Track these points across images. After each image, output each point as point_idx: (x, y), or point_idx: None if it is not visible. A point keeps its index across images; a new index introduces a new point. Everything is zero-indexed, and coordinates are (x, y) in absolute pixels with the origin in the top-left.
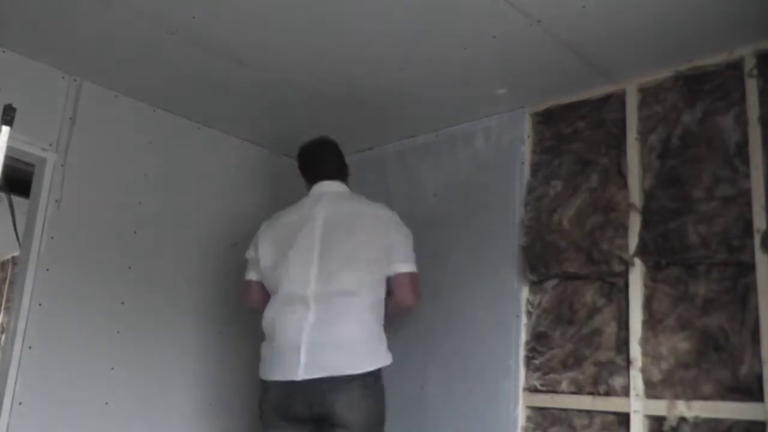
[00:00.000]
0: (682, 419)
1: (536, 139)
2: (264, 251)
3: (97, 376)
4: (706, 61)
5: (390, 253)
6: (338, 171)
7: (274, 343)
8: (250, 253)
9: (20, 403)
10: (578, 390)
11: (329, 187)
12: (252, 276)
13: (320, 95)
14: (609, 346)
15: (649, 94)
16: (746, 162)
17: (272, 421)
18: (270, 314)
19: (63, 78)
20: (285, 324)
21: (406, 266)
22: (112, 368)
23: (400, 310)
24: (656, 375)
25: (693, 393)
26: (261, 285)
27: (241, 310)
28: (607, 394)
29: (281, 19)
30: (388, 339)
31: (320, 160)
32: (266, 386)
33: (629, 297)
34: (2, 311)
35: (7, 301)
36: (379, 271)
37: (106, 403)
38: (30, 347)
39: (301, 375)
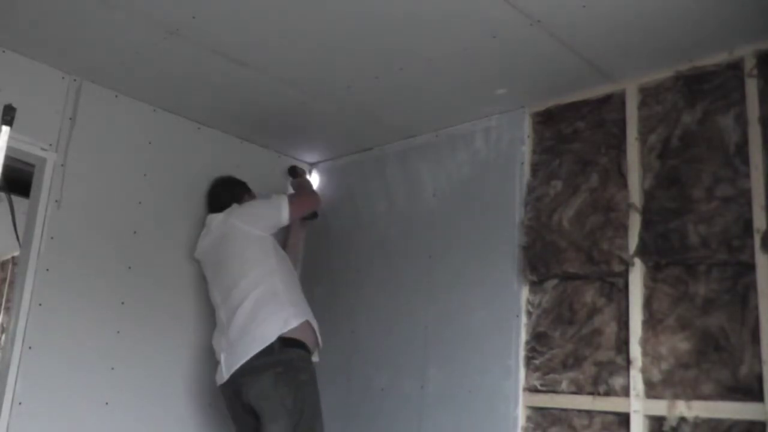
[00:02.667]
0: (682, 419)
1: (536, 139)
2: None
3: (97, 376)
4: (706, 61)
5: (255, 227)
6: (221, 205)
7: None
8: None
9: (20, 403)
10: (578, 390)
11: (208, 221)
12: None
13: (320, 95)
14: (609, 346)
15: (649, 94)
16: (746, 162)
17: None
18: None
19: (63, 78)
20: (216, 347)
21: (281, 216)
22: (112, 368)
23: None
24: (656, 375)
25: (693, 393)
26: None
27: None
28: (607, 394)
29: (281, 19)
30: (389, 339)
31: (210, 198)
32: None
33: (629, 297)
34: (2, 311)
35: (7, 301)
36: (260, 260)
37: (106, 403)
38: (30, 347)
39: (225, 375)
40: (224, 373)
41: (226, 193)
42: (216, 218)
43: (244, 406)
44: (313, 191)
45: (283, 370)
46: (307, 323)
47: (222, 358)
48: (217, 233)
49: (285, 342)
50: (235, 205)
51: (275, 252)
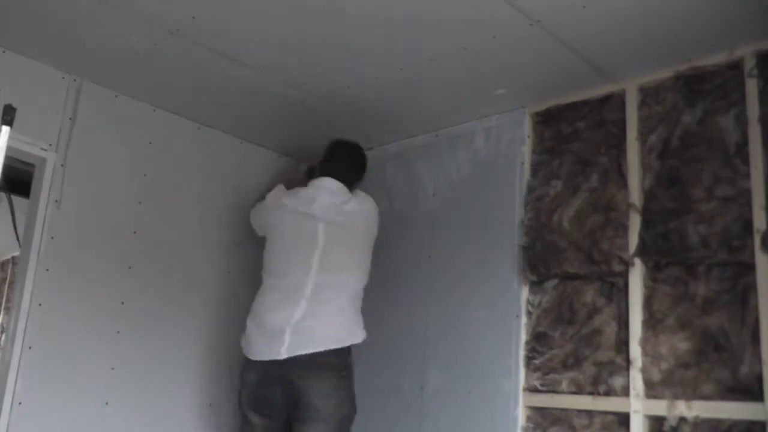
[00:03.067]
0: (682, 419)
1: (536, 139)
2: (271, 225)
3: (97, 376)
4: (706, 61)
5: (375, 236)
6: (350, 178)
7: (261, 327)
8: (263, 206)
9: (20, 403)
10: (578, 390)
11: (328, 183)
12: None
13: (320, 95)
14: (609, 346)
15: (649, 94)
16: (746, 162)
17: (247, 409)
18: (258, 302)
19: (63, 78)
20: (274, 309)
21: None
22: (112, 368)
23: None
24: (656, 375)
25: (693, 393)
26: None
27: (241, 310)
28: (607, 394)
29: (281, 20)
30: (388, 339)
31: (342, 161)
32: (247, 366)
33: (629, 297)
34: (2, 311)
35: (7, 301)
36: (368, 263)
37: (106, 403)
38: (30, 347)
39: (284, 354)
40: (282, 351)
41: (358, 171)
42: (346, 191)
43: (285, 393)
44: None
45: (347, 374)
46: None
47: (287, 333)
48: (351, 208)
49: (349, 348)
50: (371, 200)
51: None
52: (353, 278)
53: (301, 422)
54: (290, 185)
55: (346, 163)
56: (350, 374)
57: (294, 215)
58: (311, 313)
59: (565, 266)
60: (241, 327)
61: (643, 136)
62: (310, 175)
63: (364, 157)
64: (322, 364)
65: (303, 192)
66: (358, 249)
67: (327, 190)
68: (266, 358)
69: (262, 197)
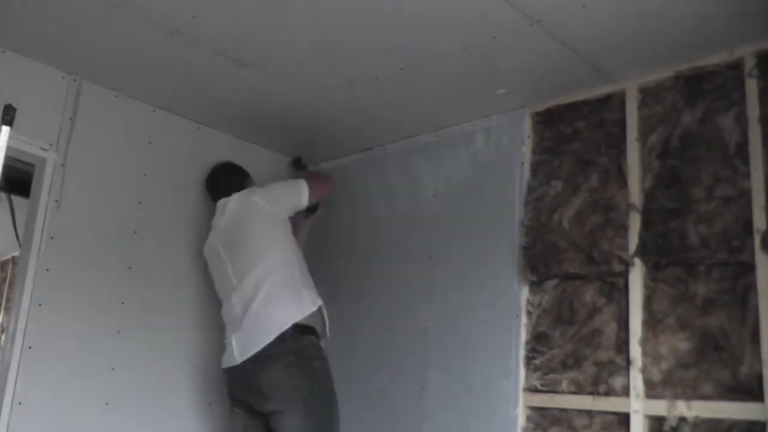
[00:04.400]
0: (682, 419)
1: (536, 139)
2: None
3: (97, 376)
4: (706, 61)
5: (278, 207)
6: (224, 191)
7: (225, 343)
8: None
9: (20, 403)
10: (578, 390)
11: (217, 206)
12: None
13: (320, 95)
14: (609, 346)
15: (649, 94)
16: (746, 162)
17: (230, 403)
18: (224, 320)
19: (63, 78)
20: (227, 326)
21: (298, 201)
22: (112, 368)
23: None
24: (656, 375)
25: (693, 393)
26: None
27: None
28: (607, 394)
29: (281, 19)
30: (388, 338)
31: (212, 186)
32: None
33: (629, 297)
34: (2, 311)
35: (7, 301)
36: (280, 243)
37: (106, 403)
38: (30, 347)
39: (238, 359)
40: (236, 357)
41: (231, 180)
42: (231, 200)
43: (251, 393)
44: (326, 176)
45: (295, 358)
46: (319, 310)
47: (234, 341)
48: (235, 214)
49: (297, 329)
50: (254, 187)
51: (292, 236)
52: (268, 266)
53: (270, 418)
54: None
55: (222, 180)
56: (301, 357)
57: (209, 254)
58: (247, 316)
59: (565, 266)
60: None
61: (643, 136)
62: (298, 165)
63: (234, 166)
64: (268, 357)
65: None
66: (258, 237)
67: (217, 212)
68: (227, 365)
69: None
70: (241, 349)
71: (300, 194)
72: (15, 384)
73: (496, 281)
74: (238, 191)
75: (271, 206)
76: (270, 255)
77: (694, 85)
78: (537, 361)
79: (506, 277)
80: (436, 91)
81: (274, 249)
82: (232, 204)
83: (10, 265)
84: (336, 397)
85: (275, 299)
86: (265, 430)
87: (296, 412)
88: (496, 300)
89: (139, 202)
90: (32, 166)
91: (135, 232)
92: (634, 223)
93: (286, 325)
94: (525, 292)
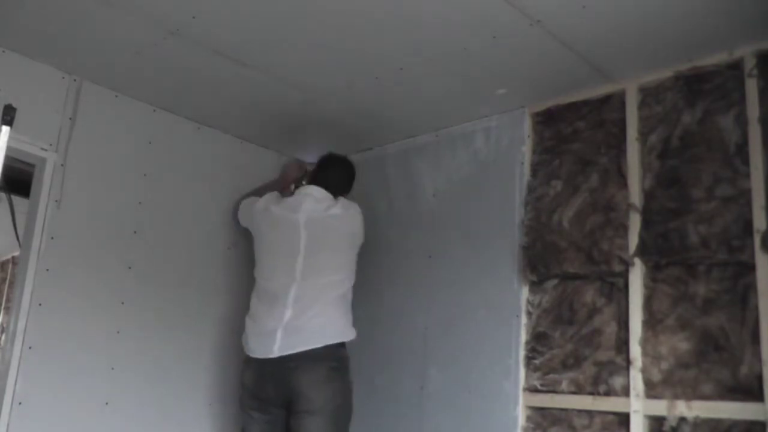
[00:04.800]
0: (682, 419)
1: (536, 139)
2: (258, 229)
3: (97, 376)
4: (706, 61)
5: (361, 239)
6: (335, 188)
7: (256, 326)
8: (253, 208)
9: (20, 403)
10: (578, 390)
11: (313, 192)
12: (244, 218)
13: (320, 95)
14: (609, 346)
15: (649, 94)
16: (746, 162)
17: (247, 406)
18: (254, 301)
19: (63, 78)
20: (268, 310)
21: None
22: (112, 368)
23: None
24: (656, 375)
25: (693, 393)
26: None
27: (241, 309)
28: (607, 394)
29: (281, 19)
30: (389, 338)
31: (331, 173)
32: (245, 365)
33: (629, 297)
34: (2, 311)
35: (7, 301)
36: (352, 261)
37: (106, 403)
38: (30, 347)
39: (276, 352)
40: (275, 350)
41: (348, 183)
42: (337, 205)
43: (283, 388)
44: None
45: (338, 366)
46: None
47: (278, 333)
48: (335, 212)
49: (342, 344)
50: (356, 205)
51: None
52: (337, 280)
53: (296, 415)
54: (288, 179)
55: (337, 175)
56: (342, 366)
57: (279, 222)
58: (299, 315)
59: (565, 266)
60: (241, 327)
61: (643, 136)
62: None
63: (354, 172)
64: (312, 357)
65: (289, 199)
66: (341, 252)
67: (311, 197)
68: (261, 356)
69: (255, 193)
70: (285, 343)
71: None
72: (15, 384)
73: (496, 281)
74: (337, 195)
75: (360, 235)
76: (342, 271)
77: (694, 85)
78: (537, 361)
79: (506, 277)
80: (436, 91)
81: (348, 268)
82: (336, 209)
83: (10, 265)
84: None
85: (339, 311)
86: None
87: (325, 416)
88: (496, 300)
89: (139, 202)
90: (32, 166)
91: (135, 232)
92: (634, 223)
93: (342, 339)
94: (525, 292)
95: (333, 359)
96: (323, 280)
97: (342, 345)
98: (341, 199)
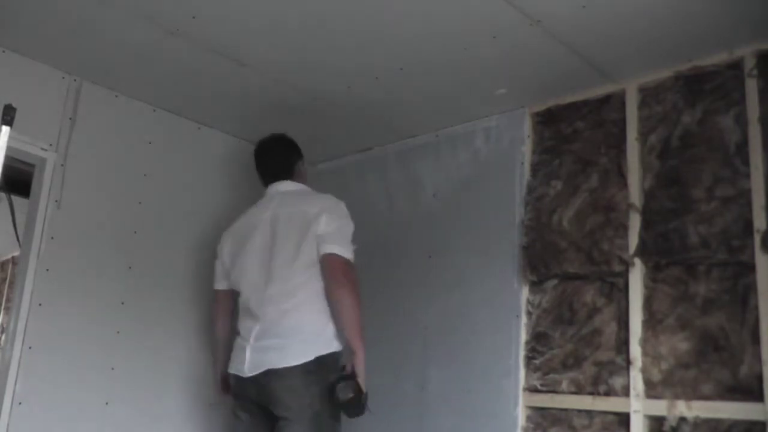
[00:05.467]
0: (682, 419)
1: (536, 139)
2: (225, 258)
3: (97, 376)
4: (706, 61)
5: (321, 237)
6: (286, 169)
7: (237, 340)
8: (216, 261)
9: (20, 403)
10: (578, 390)
11: (277, 187)
12: (216, 285)
13: (320, 95)
14: (609, 346)
15: (649, 94)
16: (746, 162)
17: (236, 411)
18: (237, 316)
19: (63, 78)
20: (242, 326)
21: (335, 247)
22: (112, 368)
23: (332, 293)
24: (656, 375)
25: (693, 393)
26: (224, 294)
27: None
28: (607, 394)
29: (281, 20)
30: (389, 338)
31: (267, 161)
32: (230, 375)
33: (629, 297)
34: (2, 311)
35: (7, 301)
36: (317, 263)
37: (106, 403)
38: (30, 347)
39: (246, 372)
40: (246, 370)
41: (287, 157)
42: (294, 191)
43: (263, 395)
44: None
45: (315, 368)
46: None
47: (247, 352)
48: (294, 207)
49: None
50: (329, 199)
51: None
52: (299, 283)
53: (277, 421)
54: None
55: (274, 157)
56: (321, 368)
57: (242, 228)
58: (269, 330)
59: (565, 266)
60: None
61: (643, 136)
62: None
63: (288, 140)
64: (287, 369)
65: (254, 205)
66: (303, 249)
67: (278, 194)
68: (234, 372)
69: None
70: (255, 362)
71: (350, 254)
72: (15, 384)
73: (496, 281)
74: (290, 176)
75: (329, 238)
76: (303, 275)
77: (694, 85)
78: (537, 361)
79: (506, 277)
80: (436, 91)
81: (308, 269)
82: (298, 202)
83: (10, 265)
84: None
85: (306, 326)
86: None
87: (304, 423)
88: (496, 300)
89: (139, 202)
90: (32, 166)
91: (135, 232)
92: (634, 223)
93: (312, 356)
94: (525, 292)
95: (310, 369)
96: (290, 284)
97: (320, 358)
98: (314, 193)
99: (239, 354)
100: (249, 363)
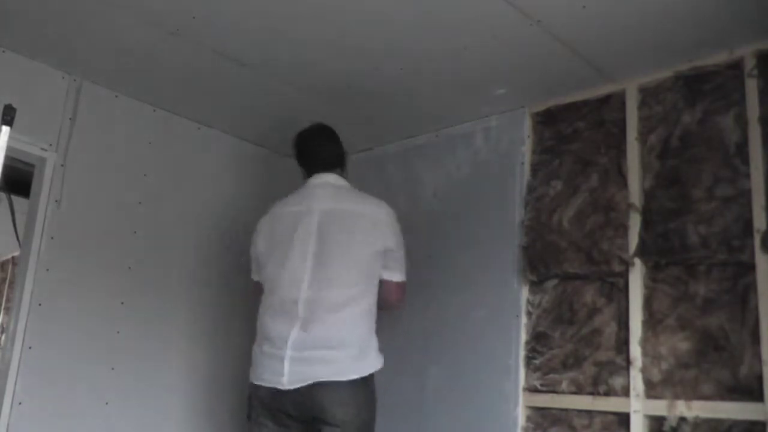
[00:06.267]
0: (682, 419)
1: (536, 139)
2: (261, 247)
3: (97, 376)
4: (706, 61)
5: (385, 259)
6: (335, 161)
7: (264, 348)
8: (251, 250)
9: (20, 403)
10: (578, 390)
11: (326, 179)
12: (254, 276)
13: (320, 95)
14: (609, 346)
15: (649, 94)
16: (746, 162)
17: (259, 418)
18: (262, 317)
19: (63, 78)
20: (274, 330)
21: (397, 275)
22: (112, 368)
23: (384, 309)
24: (656, 375)
25: (693, 393)
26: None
27: (241, 311)
28: (607, 394)
29: (281, 20)
30: (388, 338)
31: (317, 149)
32: (255, 387)
33: (629, 297)
34: (2, 311)
35: (7, 301)
36: (374, 276)
37: (106, 403)
38: (30, 347)
39: (285, 384)
40: (285, 382)
41: (338, 148)
42: (344, 186)
43: (303, 406)
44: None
45: (361, 380)
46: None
47: (286, 363)
48: (347, 206)
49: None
50: (386, 205)
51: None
52: (357, 292)
53: (318, 428)
54: None
55: (325, 146)
56: (367, 381)
57: (284, 218)
58: (310, 338)
59: (565, 266)
60: (241, 326)
61: (643, 136)
62: None
63: (332, 130)
64: (337, 383)
65: (295, 192)
66: (363, 259)
67: (323, 185)
68: (268, 385)
69: None
70: (297, 375)
71: (402, 275)
72: (15, 384)
73: (496, 281)
74: (341, 168)
75: (387, 254)
76: (363, 285)
77: (694, 85)
78: (537, 361)
79: (506, 277)
80: (436, 91)
81: (370, 282)
82: (361, 206)
83: (10, 265)
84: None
85: (361, 342)
86: None
87: (349, 430)
88: (496, 300)
89: (139, 202)
90: (32, 166)
91: (135, 232)
92: (634, 223)
93: (355, 375)
94: (525, 292)
95: (358, 383)
96: (337, 291)
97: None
98: (366, 195)
99: (273, 364)
100: (289, 375)
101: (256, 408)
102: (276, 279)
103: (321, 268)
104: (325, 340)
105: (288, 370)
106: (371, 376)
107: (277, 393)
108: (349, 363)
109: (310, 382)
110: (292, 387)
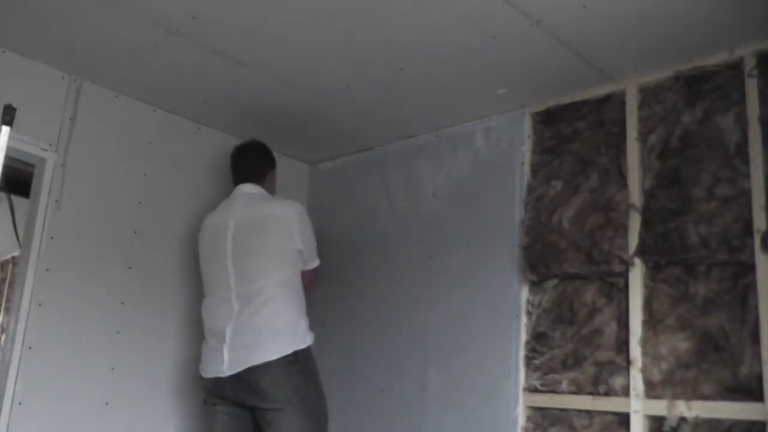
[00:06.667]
0: (682, 419)
1: (536, 139)
2: (200, 253)
3: (97, 376)
4: (706, 61)
5: (302, 252)
6: (256, 174)
7: (210, 343)
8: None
9: (20, 403)
10: (578, 390)
11: (245, 189)
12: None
13: (320, 95)
14: (609, 346)
15: (649, 94)
16: (746, 162)
17: (209, 398)
18: (203, 316)
19: (63, 78)
20: (212, 326)
21: (313, 263)
22: (112, 368)
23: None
24: (656, 375)
25: (693, 393)
26: None
27: None
28: (607, 394)
29: (281, 20)
30: (388, 339)
31: (241, 163)
32: (203, 379)
33: (629, 297)
34: (2, 311)
35: (7, 301)
36: (292, 265)
37: (106, 403)
38: (30, 347)
39: (226, 372)
40: (226, 369)
41: (260, 162)
42: (263, 195)
43: (245, 391)
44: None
45: (294, 359)
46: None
47: (225, 352)
48: (264, 212)
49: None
50: (294, 204)
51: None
52: (276, 282)
53: (262, 413)
54: None
55: (247, 161)
56: (299, 359)
57: (210, 230)
58: (243, 328)
59: (565, 266)
60: None
61: (643, 136)
62: None
63: (262, 146)
64: (268, 363)
65: (222, 203)
66: (280, 251)
67: (242, 195)
68: (212, 375)
69: None
70: (235, 361)
71: (314, 259)
72: (15, 384)
73: (496, 281)
74: (258, 180)
75: (298, 239)
76: (283, 272)
77: (694, 85)
78: (537, 361)
79: (506, 277)
80: (436, 91)
81: (283, 269)
82: (272, 208)
83: (10, 265)
84: (325, 396)
85: (281, 318)
86: (249, 425)
87: (295, 411)
88: (496, 300)
89: (139, 202)
90: (32, 166)
91: (135, 232)
92: (634, 223)
93: (288, 351)
94: (525, 292)
95: (288, 355)
96: (259, 283)
97: (297, 353)
98: (278, 198)
99: (215, 356)
100: (228, 363)
101: (209, 400)
102: (210, 282)
103: (242, 267)
104: (256, 328)
105: (227, 358)
106: (305, 356)
107: (217, 381)
108: (279, 344)
109: (246, 366)
110: (231, 372)
